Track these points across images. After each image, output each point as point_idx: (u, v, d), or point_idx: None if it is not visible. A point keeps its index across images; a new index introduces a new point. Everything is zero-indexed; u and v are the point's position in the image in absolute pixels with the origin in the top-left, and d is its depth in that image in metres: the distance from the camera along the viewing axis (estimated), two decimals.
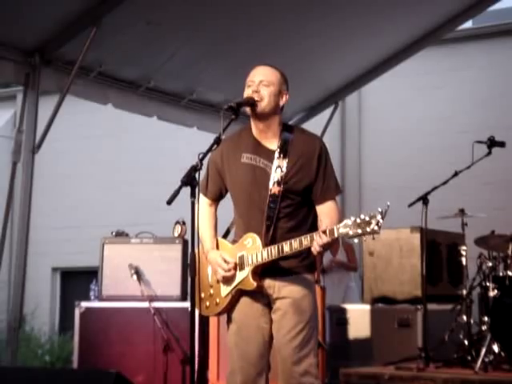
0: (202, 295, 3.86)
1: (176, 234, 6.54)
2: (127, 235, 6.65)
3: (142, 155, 13.16)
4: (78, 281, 13.09)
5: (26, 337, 11.37)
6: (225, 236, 4.30)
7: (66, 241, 13.41)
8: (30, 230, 6.38)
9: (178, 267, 6.36)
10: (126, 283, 6.34)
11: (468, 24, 10.03)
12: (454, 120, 10.85)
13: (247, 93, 3.78)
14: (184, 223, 6.46)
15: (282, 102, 3.83)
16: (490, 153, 6.00)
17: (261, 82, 3.77)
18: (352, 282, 8.32)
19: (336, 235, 3.46)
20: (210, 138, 3.65)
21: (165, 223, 6.86)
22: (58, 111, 6.41)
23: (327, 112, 8.82)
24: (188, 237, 3.52)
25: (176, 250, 6.41)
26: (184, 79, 7.50)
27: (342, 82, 8.52)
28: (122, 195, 13.16)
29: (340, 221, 3.52)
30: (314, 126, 7.87)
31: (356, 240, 3.52)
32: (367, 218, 3.37)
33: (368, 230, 3.37)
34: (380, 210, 3.37)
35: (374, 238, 3.47)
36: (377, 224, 3.35)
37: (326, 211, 3.76)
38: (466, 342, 5.80)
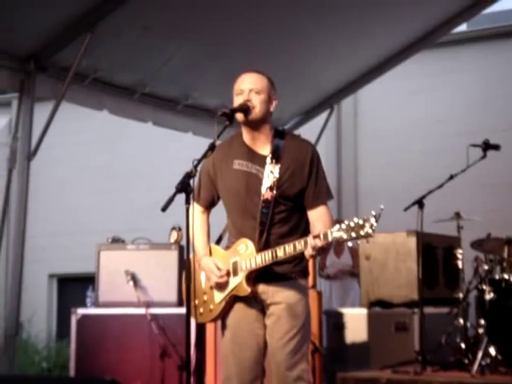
0: (196, 302, 3.85)
1: (172, 240, 6.53)
2: (123, 241, 6.64)
3: (137, 161, 13.15)
4: (74, 287, 13.06)
5: (23, 344, 11.34)
6: (217, 243, 4.29)
7: (63, 247, 13.39)
8: (26, 237, 6.38)
9: (175, 273, 6.34)
10: (122, 289, 6.33)
11: (462, 27, 10.06)
12: (449, 123, 10.87)
13: (238, 101, 3.76)
14: (180, 229, 6.45)
15: (272, 108, 3.83)
16: (484, 156, 6.00)
17: (251, 91, 3.75)
18: (355, 285, 8.34)
19: (330, 239, 3.44)
20: (205, 143, 3.65)
21: (161, 229, 6.86)
22: (53, 118, 6.41)
23: (323, 116, 8.83)
24: (184, 242, 3.53)
25: (172, 256, 6.40)
26: (179, 84, 7.50)
27: (338, 86, 8.54)
28: (118, 201, 13.16)
29: (332, 225, 3.51)
30: (309, 130, 7.89)
31: (350, 244, 3.51)
32: (361, 222, 3.36)
33: (362, 233, 3.36)
34: (374, 213, 3.35)
35: (368, 242, 3.47)
36: (371, 227, 3.34)
37: (317, 216, 3.76)
38: (463, 346, 5.80)
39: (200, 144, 4.22)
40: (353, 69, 8.26)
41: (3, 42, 6.16)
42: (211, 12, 6.51)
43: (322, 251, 3.51)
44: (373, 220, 3.34)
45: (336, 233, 3.42)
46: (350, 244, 3.55)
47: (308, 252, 3.51)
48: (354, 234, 3.37)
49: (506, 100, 10.68)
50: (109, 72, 6.94)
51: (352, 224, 3.38)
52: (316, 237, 3.46)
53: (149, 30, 6.43)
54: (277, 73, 3.92)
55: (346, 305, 7.81)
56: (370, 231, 3.34)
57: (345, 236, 3.39)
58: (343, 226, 3.40)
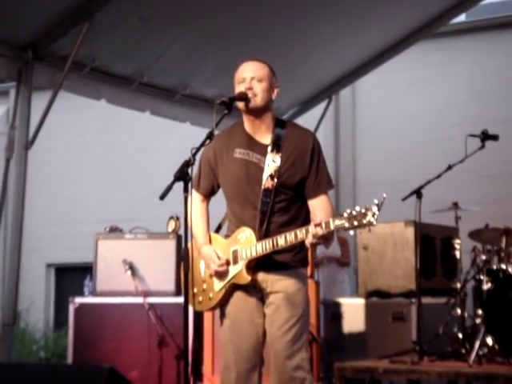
0: (195, 290, 3.85)
1: (170, 230, 6.53)
2: (121, 231, 6.64)
3: (135, 151, 13.14)
4: (72, 277, 13.07)
5: (20, 333, 11.36)
6: (217, 231, 4.29)
7: (60, 237, 13.39)
8: (23, 227, 6.37)
9: (172, 262, 6.35)
10: (120, 279, 6.33)
11: (461, 18, 10.05)
12: (447, 114, 10.87)
13: (239, 90, 3.76)
14: (178, 218, 6.45)
15: (274, 96, 3.83)
16: (483, 146, 6.00)
17: (253, 79, 3.75)
18: (344, 276, 8.32)
19: (332, 227, 3.44)
20: (203, 132, 3.65)
21: (159, 218, 6.85)
22: (51, 107, 6.39)
23: (321, 106, 8.82)
24: (182, 232, 3.54)
25: (170, 245, 6.40)
26: (177, 74, 7.49)
27: (336, 77, 8.53)
28: (116, 191, 13.15)
29: (333, 214, 3.50)
30: (307, 120, 7.86)
31: (352, 232, 3.50)
32: (363, 210, 3.36)
33: (364, 221, 3.35)
34: (376, 201, 3.35)
35: (369, 230, 3.47)
36: (373, 216, 3.33)
37: (318, 205, 3.76)
38: (460, 336, 5.80)
39: (198, 134, 4.21)
40: (351, 59, 8.25)
41: (1, 30, 6.13)
42: (209, 2, 6.49)
43: (323, 240, 3.51)
44: (375, 208, 3.34)
45: (338, 221, 3.42)
46: (351, 233, 3.52)
47: (309, 240, 3.50)
48: (356, 223, 3.37)
49: (505, 90, 10.67)
50: (107, 61, 6.92)
51: (354, 212, 3.37)
52: (318, 225, 3.45)
53: (145, 20, 6.41)
54: (275, 63, 3.91)
55: (333, 295, 7.79)
56: (372, 220, 3.34)
57: (347, 224, 3.39)
58: (345, 215, 3.39)
